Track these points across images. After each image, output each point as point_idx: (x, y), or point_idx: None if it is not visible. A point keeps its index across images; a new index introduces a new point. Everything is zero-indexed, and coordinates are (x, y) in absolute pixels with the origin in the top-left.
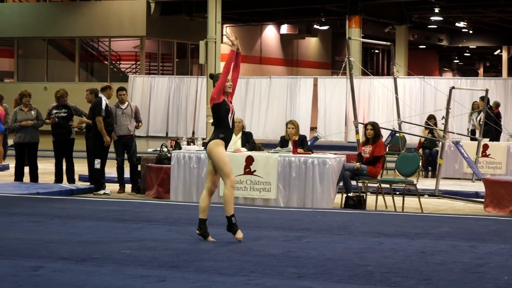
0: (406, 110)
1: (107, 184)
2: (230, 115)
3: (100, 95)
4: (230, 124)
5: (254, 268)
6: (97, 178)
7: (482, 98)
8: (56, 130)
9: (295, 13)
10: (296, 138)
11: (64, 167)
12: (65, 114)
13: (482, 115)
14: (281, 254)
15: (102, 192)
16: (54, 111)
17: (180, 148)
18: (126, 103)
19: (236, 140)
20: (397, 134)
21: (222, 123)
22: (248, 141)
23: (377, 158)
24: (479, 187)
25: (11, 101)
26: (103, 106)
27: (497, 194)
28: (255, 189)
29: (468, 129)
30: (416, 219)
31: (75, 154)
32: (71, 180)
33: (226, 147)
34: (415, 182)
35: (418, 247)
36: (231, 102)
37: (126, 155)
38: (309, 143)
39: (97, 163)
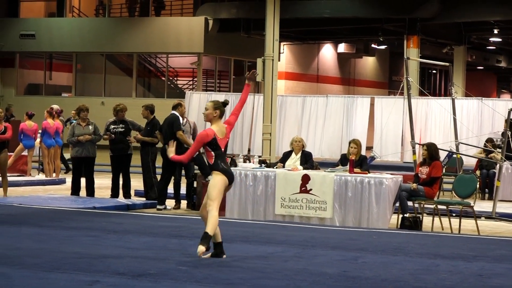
0: (464, 131)
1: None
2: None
3: (174, 112)
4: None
5: (310, 287)
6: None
7: None
8: (114, 145)
9: (353, 32)
10: (353, 158)
11: (120, 182)
12: (123, 129)
13: None
14: (337, 274)
15: (162, 207)
16: (112, 126)
17: (236, 165)
18: (185, 119)
19: (295, 159)
20: (454, 156)
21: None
22: (306, 161)
23: (434, 179)
24: None
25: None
26: (181, 121)
27: None
28: (311, 208)
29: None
30: (473, 241)
31: (131, 169)
32: (127, 195)
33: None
34: (472, 204)
35: (475, 270)
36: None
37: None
38: None
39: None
